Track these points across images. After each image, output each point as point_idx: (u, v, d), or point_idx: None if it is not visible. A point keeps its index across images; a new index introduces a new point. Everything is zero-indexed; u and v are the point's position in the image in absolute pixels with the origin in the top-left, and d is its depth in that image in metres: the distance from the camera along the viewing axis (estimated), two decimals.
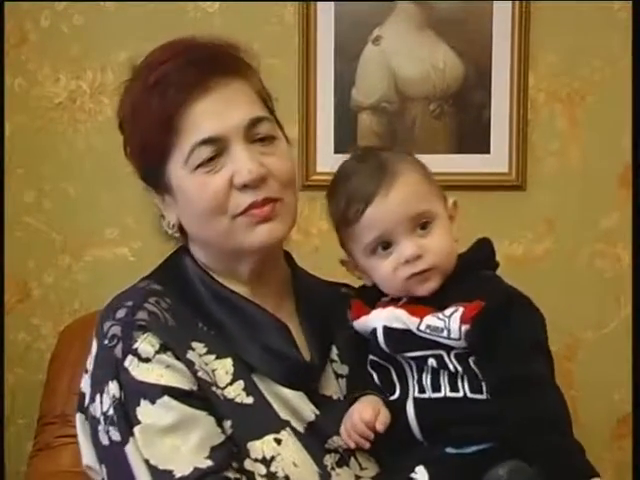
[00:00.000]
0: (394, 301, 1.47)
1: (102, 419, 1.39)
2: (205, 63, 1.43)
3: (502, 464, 1.34)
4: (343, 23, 2.57)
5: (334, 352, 1.55)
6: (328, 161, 2.54)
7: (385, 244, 1.45)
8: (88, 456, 1.45)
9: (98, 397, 1.40)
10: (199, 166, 1.42)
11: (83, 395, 1.46)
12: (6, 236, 2.59)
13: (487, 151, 2.58)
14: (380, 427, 1.42)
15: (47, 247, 2.67)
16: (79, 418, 1.47)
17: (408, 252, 1.43)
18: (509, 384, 1.37)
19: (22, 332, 2.70)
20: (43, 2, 2.61)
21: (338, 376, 1.53)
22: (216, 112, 1.42)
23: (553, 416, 1.36)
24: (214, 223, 1.43)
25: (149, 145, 1.45)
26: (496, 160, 2.58)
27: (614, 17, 2.56)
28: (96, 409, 1.40)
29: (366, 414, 1.43)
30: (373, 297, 1.50)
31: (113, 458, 1.39)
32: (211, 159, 1.42)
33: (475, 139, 2.58)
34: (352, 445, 1.43)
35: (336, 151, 2.58)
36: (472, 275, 1.45)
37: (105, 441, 1.39)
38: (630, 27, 2.55)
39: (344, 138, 2.59)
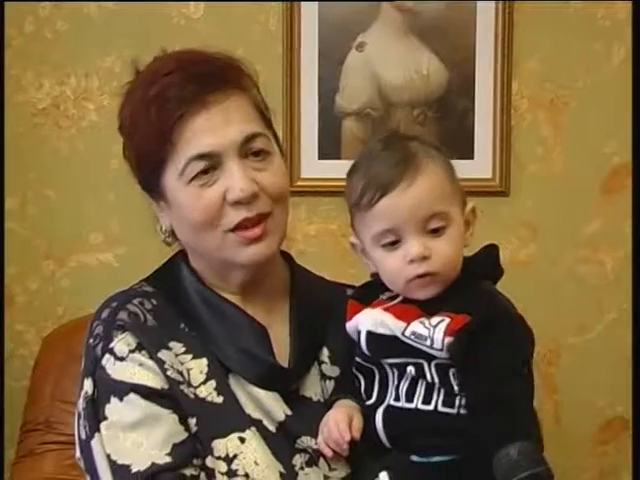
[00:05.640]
0: (390, 299, 1.45)
1: (81, 414, 1.45)
2: (206, 78, 1.45)
3: (512, 444, 1.29)
4: (327, 29, 2.57)
5: (325, 354, 1.56)
6: (312, 167, 2.53)
7: (393, 239, 1.41)
8: (77, 449, 1.49)
9: (81, 393, 1.46)
10: (193, 179, 1.44)
11: None
12: None
13: (471, 157, 2.58)
14: (356, 434, 1.42)
15: (31, 253, 2.66)
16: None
17: (414, 251, 1.39)
18: (484, 402, 1.35)
19: (5, 339, 2.68)
20: (30, 5, 2.60)
21: (325, 378, 1.54)
22: (212, 128, 1.44)
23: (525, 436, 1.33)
24: (206, 235, 1.46)
25: (145, 155, 1.48)
26: (480, 166, 2.59)
27: (596, 24, 2.58)
28: (79, 404, 1.46)
29: (341, 422, 1.42)
30: (370, 296, 1.49)
31: (86, 452, 1.44)
32: (205, 172, 1.44)
33: (459, 145, 2.58)
34: (329, 454, 1.44)
35: (320, 157, 2.58)
36: (470, 285, 1.42)
37: (83, 435, 1.44)
38: (611, 33, 2.57)
39: (328, 144, 2.59)
